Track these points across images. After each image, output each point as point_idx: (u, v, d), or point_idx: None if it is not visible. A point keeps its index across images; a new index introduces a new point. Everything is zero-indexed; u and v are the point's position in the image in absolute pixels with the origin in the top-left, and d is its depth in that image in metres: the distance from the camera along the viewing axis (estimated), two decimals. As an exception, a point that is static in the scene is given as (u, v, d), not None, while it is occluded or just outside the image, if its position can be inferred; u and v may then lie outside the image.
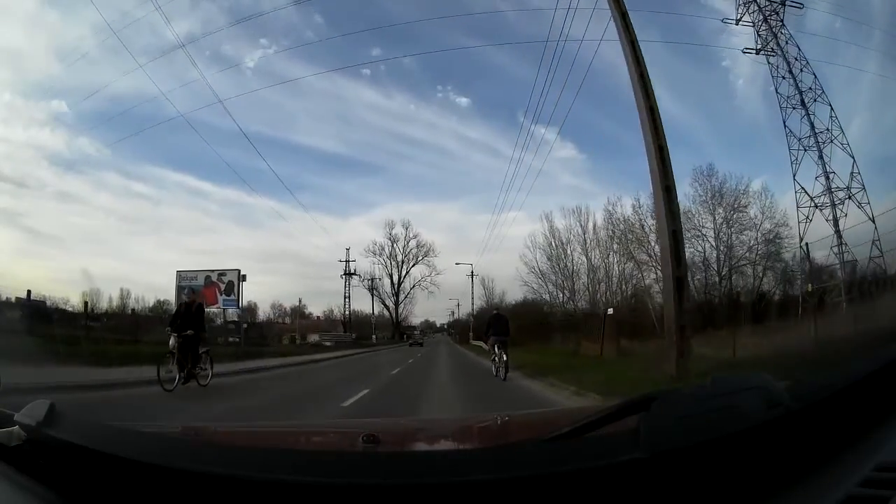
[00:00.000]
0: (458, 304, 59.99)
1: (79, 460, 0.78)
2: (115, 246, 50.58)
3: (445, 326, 75.98)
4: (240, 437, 1.49)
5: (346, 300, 50.30)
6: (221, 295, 27.84)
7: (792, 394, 0.68)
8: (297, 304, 53.63)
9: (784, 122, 21.02)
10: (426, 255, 54.05)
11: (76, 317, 22.78)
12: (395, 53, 61.59)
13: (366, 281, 51.93)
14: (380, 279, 53.71)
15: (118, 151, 55.79)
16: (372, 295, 52.75)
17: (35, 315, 18.10)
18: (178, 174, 69.35)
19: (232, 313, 28.23)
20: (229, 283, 27.88)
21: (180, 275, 27.61)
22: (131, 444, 0.81)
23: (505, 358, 10.61)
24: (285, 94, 64.46)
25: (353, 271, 49.36)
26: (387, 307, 56.19)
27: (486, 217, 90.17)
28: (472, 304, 48.11)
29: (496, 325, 11.59)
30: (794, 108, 20.74)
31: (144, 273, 63.56)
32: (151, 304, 33.88)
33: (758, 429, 0.66)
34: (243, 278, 26.70)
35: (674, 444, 0.64)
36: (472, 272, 47.13)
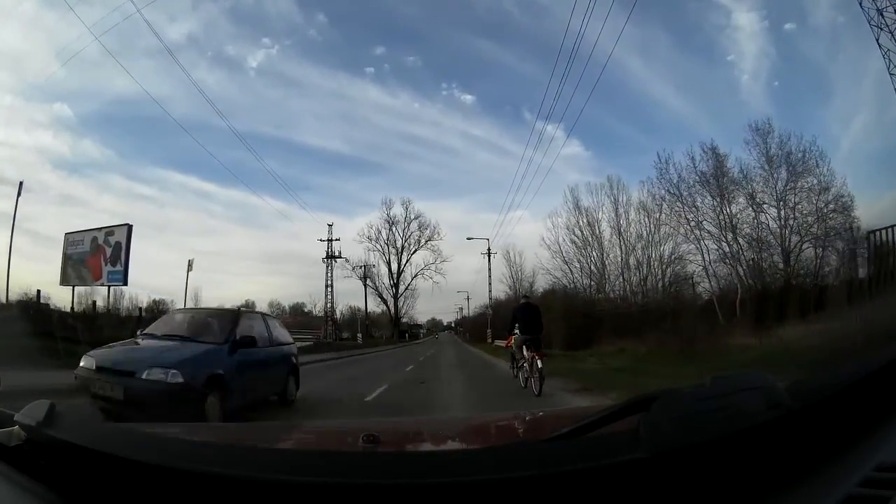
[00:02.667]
0: (468, 298, 51.77)
1: (79, 460, 0.78)
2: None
3: (453, 324, 74.48)
4: (240, 437, 1.49)
5: (329, 289, 39.56)
6: (107, 265, 19.68)
7: (792, 394, 0.68)
8: (294, 303, 48.61)
9: (877, 41, 17.28)
10: (430, 239, 45.29)
11: (64, 316, 21.19)
12: (400, 52, 61.35)
13: (357, 269, 42.91)
14: (374, 266, 44.86)
15: (122, 153, 56.07)
16: (365, 285, 43.64)
17: (33, 317, 17.75)
18: (183, 175, 69.41)
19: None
20: (116, 245, 19.54)
21: (68, 238, 20.69)
22: (131, 444, 0.81)
23: (539, 365, 7.51)
24: (290, 94, 64.45)
25: (338, 253, 40.07)
26: (384, 301, 47.27)
27: (490, 216, 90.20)
28: (490, 290, 38.06)
29: (525, 318, 8.32)
30: (880, 29, 17.11)
31: (146, 274, 63.61)
32: (145, 304, 32.31)
33: (758, 429, 0.66)
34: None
35: (674, 444, 0.64)
36: (489, 249, 37.06)
